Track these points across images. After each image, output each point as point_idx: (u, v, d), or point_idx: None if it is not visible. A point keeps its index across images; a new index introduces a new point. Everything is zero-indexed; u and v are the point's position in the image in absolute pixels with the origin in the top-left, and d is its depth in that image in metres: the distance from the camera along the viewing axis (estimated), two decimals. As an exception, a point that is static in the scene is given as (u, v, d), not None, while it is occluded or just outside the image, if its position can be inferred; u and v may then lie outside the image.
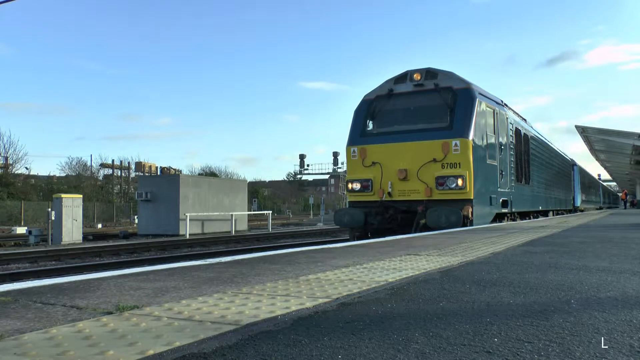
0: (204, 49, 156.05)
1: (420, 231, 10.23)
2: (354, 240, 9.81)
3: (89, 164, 53.87)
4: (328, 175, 72.99)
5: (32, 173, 48.23)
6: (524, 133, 15.87)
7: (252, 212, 37.12)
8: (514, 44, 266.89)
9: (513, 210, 13.83)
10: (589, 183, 40.49)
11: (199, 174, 57.54)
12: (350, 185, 11.98)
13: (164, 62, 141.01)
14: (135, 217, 33.91)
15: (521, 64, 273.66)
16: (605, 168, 50.26)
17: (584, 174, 35.63)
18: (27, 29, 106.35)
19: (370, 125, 12.21)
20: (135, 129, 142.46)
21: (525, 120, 17.28)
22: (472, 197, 10.72)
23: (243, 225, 29.88)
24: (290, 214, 65.91)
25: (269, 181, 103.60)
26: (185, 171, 59.66)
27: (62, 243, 20.23)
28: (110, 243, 19.87)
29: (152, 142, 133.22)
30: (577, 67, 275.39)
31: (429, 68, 11.86)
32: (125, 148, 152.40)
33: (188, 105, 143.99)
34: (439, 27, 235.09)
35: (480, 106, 11.50)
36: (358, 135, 12.11)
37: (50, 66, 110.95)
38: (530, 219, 16.48)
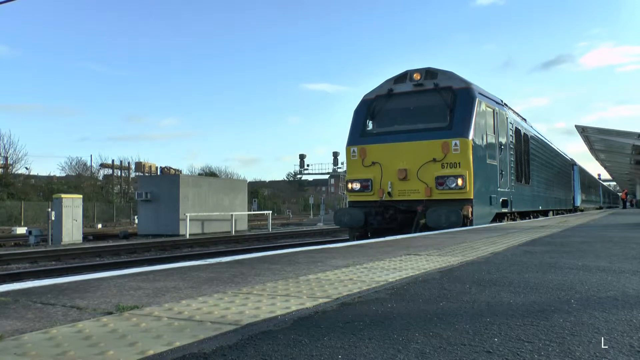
0: (208, 50, 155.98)
1: (420, 231, 10.23)
2: (354, 240, 9.81)
3: (88, 164, 53.97)
4: (328, 175, 72.95)
5: (32, 173, 48.33)
6: (524, 133, 15.87)
7: (252, 212, 37.12)
8: (512, 47, 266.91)
9: (513, 210, 13.82)
10: (589, 183, 40.49)
11: (199, 174, 57.54)
12: (350, 185, 11.97)
13: (167, 63, 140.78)
14: (135, 217, 33.90)
15: (518, 67, 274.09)
16: (605, 168, 50.26)
17: (584, 173, 35.62)
18: (32, 30, 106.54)
19: (370, 125, 12.20)
20: (138, 129, 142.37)
21: (525, 120, 17.28)
22: (472, 197, 10.72)
23: (243, 225, 29.88)
24: (290, 214, 65.89)
25: (269, 181, 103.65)
26: (185, 171, 59.71)
27: (62, 243, 20.22)
28: (110, 243, 19.86)
29: (155, 143, 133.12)
30: (573, 70, 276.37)
31: (428, 68, 11.85)
32: (128, 149, 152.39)
33: (191, 106, 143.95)
34: (439, 30, 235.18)
35: (480, 106, 11.49)
36: (358, 135, 12.11)
37: (55, 68, 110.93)
38: (530, 218, 16.48)
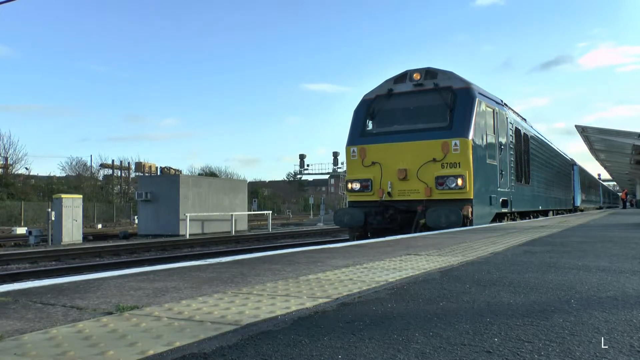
0: (208, 51, 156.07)
1: (420, 231, 10.23)
2: (354, 240, 9.81)
3: (88, 164, 53.97)
4: (328, 175, 72.90)
5: (32, 173, 48.33)
6: (524, 133, 15.87)
7: (252, 212, 37.11)
8: (512, 48, 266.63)
9: (513, 210, 13.82)
10: (589, 183, 40.48)
11: (199, 174, 57.53)
12: (350, 185, 11.97)
13: (167, 63, 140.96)
14: (135, 217, 33.90)
15: (517, 67, 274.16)
16: (605, 168, 50.26)
17: (584, 173, 35.62)
18: (32, 31, 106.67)
19: (370, 125, 12.20)
20: (138, 129, 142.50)
21: (525, 120, 17.28)
22: (472, 197, 10.72)
23: (243, 225, 29.88)
24: (290, 214, 65.88)
25: (269, 181, 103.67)
26: (185, 171, 59.66)
27: (62, 243, 20.22)
28: (110, 243, 19.86)
29: (155, 143, 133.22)
30: (572, 71, 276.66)
31: (428, 68, 11.85)
32: (128, 149, 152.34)
33: (191, 106, 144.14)
34: (439, 30, 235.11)
35: (480, 106, 11.49)
36: (358, 135, 12.10)
37: (55, 68, 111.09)
38: (530, 218, 16.48)
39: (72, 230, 21.31)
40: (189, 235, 23.48)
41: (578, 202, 30.52)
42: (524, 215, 16.04)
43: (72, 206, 21.46)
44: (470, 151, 10.78)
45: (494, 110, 12.44)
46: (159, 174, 50.54)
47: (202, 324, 2.04)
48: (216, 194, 28.43)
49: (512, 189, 13.73)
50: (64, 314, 2.29)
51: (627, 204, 53.24)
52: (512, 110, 15.20)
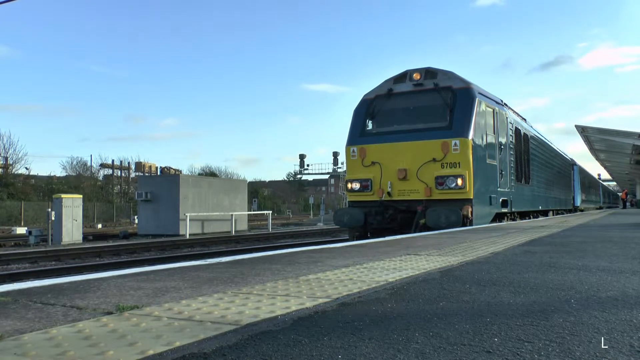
0: (208, 51, 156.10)
1: (420, 231, 10.23)
2: (354, 240, 9.80)
3: (88, 164, 53.98)
4: (328, 175, 72.95)
5: (32, 173, 48.32)
6: (524, 133, 15.87)
7: (252, 212, 37.11)
8: (511, 48, 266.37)
9: (513, 210, 13.82)
10: (589, 183, 40.47)
11: (199, 174, 57.53)
12: (349, 185, 11.97)
13: (167, 63, 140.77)
14: (135, 217, 33.91)
15: (517, 68, 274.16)
16: (605, 168, 50.27)
17: (584, 173, 35.61)
18: (32, 31, 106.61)
19: (370, 124, 12.19)
20: (138, 129, 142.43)
21: (525, 120, 17.28)
22: (471, 197, 10.71)
23: (243, 225, 29.88)
24: (290, 214, 65.89)
25: (269, 181, 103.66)
26: (185, 171, 59.64)
27: (62, 243, 20.22)
28: (110, 243, 19.86)
29: (155, 143, 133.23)
30: (572, 71, 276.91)
31: (428, 67, 11.84)
32: (128, 149, 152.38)
33: (191, 106, 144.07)
34: (439, 30, 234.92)
35: (480, 106, 11.49)
36: (357, 135, 12.10)
37: (55, 68, 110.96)
38: (530, 218, 16.48)
39: (72, 230, 21.32)
40: (189, 235, 23.48)
41: (578, 202, 30.52)
42: (524, 215, 16.03)
43: (72, 206, 21.46)
44: (470, 151, 10.78)
45: (494, 110, 12.44)
46: (159, 174, 50.53)
47: (202, 324, 2.04)
48: (216, 194, 28.44)
49: (512, 189, 13.73)
50: (64, 313, 2.29)
51: (627, 204, 53.26)
52: (512, 110, 15.19)
